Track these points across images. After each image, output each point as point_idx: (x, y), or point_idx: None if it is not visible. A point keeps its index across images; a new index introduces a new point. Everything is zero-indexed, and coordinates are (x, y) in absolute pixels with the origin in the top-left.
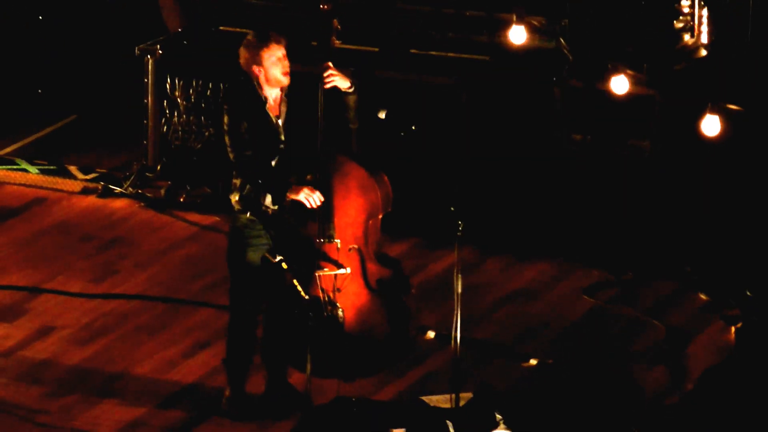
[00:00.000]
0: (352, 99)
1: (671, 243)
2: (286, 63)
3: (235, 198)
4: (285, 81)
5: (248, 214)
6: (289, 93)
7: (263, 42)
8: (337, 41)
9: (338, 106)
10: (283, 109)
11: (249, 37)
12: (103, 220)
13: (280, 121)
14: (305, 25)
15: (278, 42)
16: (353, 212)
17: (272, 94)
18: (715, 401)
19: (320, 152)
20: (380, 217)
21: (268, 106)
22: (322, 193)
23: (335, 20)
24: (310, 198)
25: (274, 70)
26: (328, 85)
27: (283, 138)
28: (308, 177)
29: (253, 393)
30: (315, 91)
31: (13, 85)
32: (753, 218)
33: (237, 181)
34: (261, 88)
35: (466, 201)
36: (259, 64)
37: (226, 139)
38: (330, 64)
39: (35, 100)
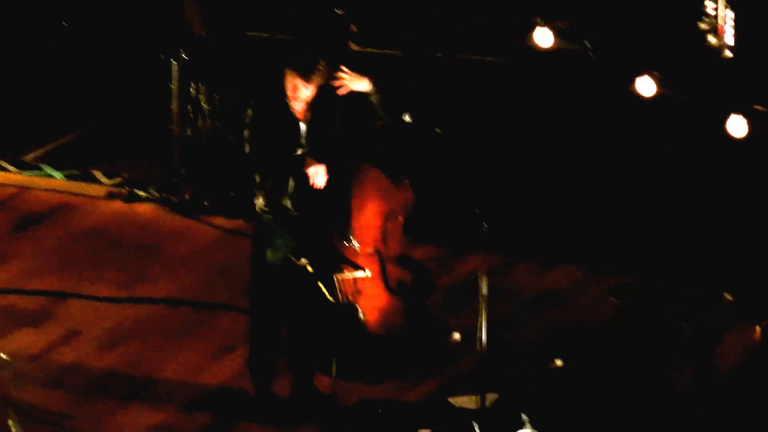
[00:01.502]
0: (374, 98)
1: (699, 245)
2: (299, 93)
3: (257, 200)
4: (295, 107)
5: (270, 215)
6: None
7: (292, 72)
8: (355, 45)
9: (359, 109)
10: (308, 116)
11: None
12: (129, 225)
13: (303, 126)
14: (324, 30)
15: (293, 75)
16: (371, 215)
17: (296, 105)
18: (743, 400)
19: (336, 155)
20: (401, 220)
21: (292, 109)
22: (340, 195)
23: (352, 25)
24: (316, 176)
25: (287, 90)
26: (342, 90)
27: (304, 142)
28: None
29: (280, 396)
30: (333, 97)
31: (39, 91)
32: None
33: (257, 179)
34: (288, 98)
35: (492, 204)
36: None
37: (246, 135)
38: (344, 68)
39: (60, 106)
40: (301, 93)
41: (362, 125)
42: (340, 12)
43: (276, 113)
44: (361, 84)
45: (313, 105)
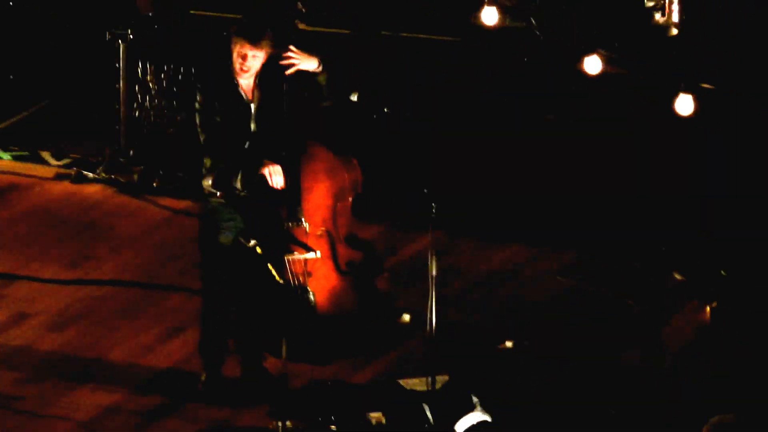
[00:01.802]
0: (322, 78)
1: (646, 222)
2: (248, 63)
3: (205, 182)
4: (241, 75)
5: (218, 197)
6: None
7: (233, 34)
8: (301, 24)
9: (306, 88)
10: (257, 95)
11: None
12: (77, 206)
13: (252, 106)
14: (271, 8)
15: (241, 41)
16: (321, 195)
17: (244, 81)
18: (691, 381)
19: (284, 136)
20: (350, 199)
21: (240, 88)
22: (289, 175)
23: (299, 3)
24: (274, 176)
25: (235, 63)
26: (290, 70)
27: (253, 122)
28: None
29: (229, 377)
30: (281, 76)
31: None
32: (726, 197)
33: (207, 163)
34: (236, 72)
35: (438, 183)
36: (231, 52)
37: (196, 118)
38: (292, 47)
39: (7, 86)
40: (250, 63)
41: (309, 105)
42: None
43: (224, 93)
44: (310, 63)
45: (260, 83)
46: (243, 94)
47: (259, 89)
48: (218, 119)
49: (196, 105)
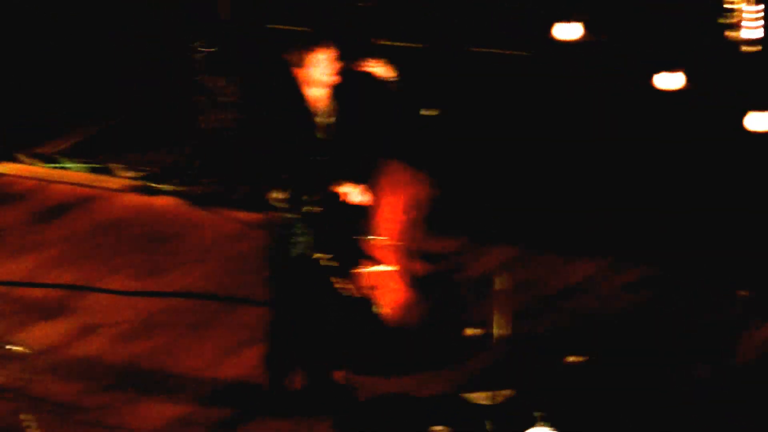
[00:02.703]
0: (394, 86)
1: (720, 240)
2: (319, 73)
3: (276, 195)
4: (313, 86)
5: (291, 211)
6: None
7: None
8: (378, 38)
9: (381, 103)
10: (330, 107)
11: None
12: (148, 218)
13: (324, 119)
14: (351, 23)
15: (322, 65)
16: (392, 209)
17: (316, 92)
18: (760, 394)
19: (360, 151)
20: (421, 213)
21: (310, 101)
22: (363, 188)
23: (375, 17)
24: (353, 193)
25: (306, 75)
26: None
27: (324, 135)
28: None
29: (296, 389)
30: (356, 89)
31: (59, 84)
32: None
33: (280, 176)
34: (307, 84)
35: (513, 198)
36: (302, 65)
37: (272, 132)
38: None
39: (81, 99)
40: (320, 73)
41: (382, 120)
42: (364, 4)
43: (296, 106)
44: (384, 71)
45: (335, 95)
46: (315, 106)
47: (333, 101)
48: (293, 132)
49: (270, 119)
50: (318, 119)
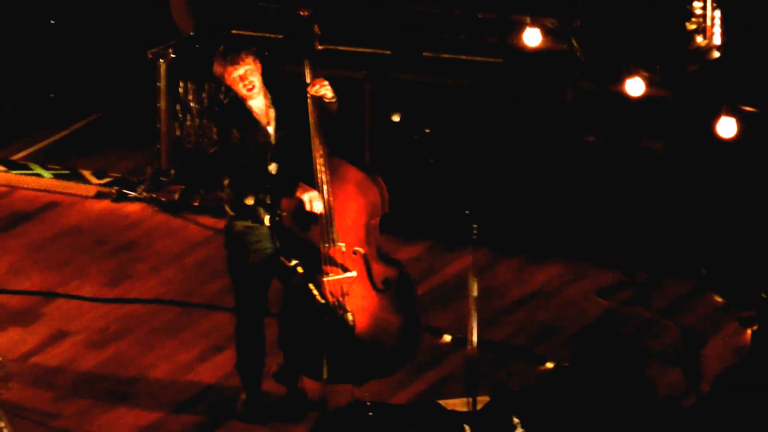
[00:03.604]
0: (334, 107)
1: (686, 244)
2: (248, 79)
3: (229, 206)
4: (252, 96)
5: (249, 222)
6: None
7: (217, 70)
8: (320, 45)
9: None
10: (272, 114)
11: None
12: (117, 224)
13: (270, 128)
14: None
15: (227, 66)
16: (354, 214)
17: (256, 103)
18: (730, 403)
19: (315, 157)
20: (378, 216)
21: (255, 114)
22: (322, 196)
23: (315, 25)
24: (314, 202)
25: (237, 88)
26: (318, 93)
27: (273, 142)
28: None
29: (269, 396)
30: (303, 98)
31: (26, 90)
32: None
33: (231, 191)
34: (244, 99)
35: (479, 203)
36: (224, 82)
37: (220, 150)
38: (323, 79)
39: (48, 105)
40: (249, 78)
41: (342, 125)
42: (304, 12)
43: (240, 119)
44: (330, 93)
45: (275, 104)
46: (258, 118)
47: (274, 109)
48: (240, 145)
49: (214, 137)
50: (263, 128)
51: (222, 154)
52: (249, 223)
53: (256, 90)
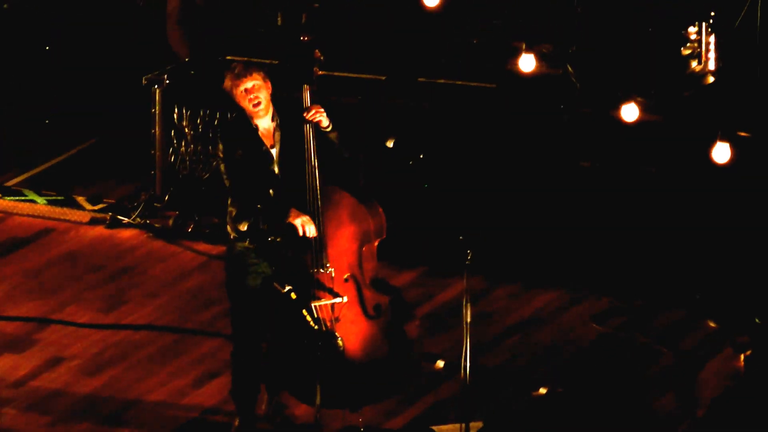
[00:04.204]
0: (333, 135)
1: (680, 269)
2: (254, 94)
3: (231, 228)
4: (258, 113)
5: (246, 243)
6: (287, 123)
7: (227, 84)
8: (320, 71)
9: (325, 140)
10: (278, 137)
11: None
12: (112, 251)
13: (273, 151)
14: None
15: (235, 80)
16: (345, 240)
17: (262, 123)
18: (725, 428)
19: (309, 183)
20: (375, 244)
21: (260, 133)
22: (314, 221)
23: (317, 50)
24: (306, 226)
25: (244, 103)
26: (314, 119)
27: (276, 167)
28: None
29: (263, 420)
30: (301, 123)
31: (20, 116)
32: (762, 245)
33: (233, 210)
34: (251, 117)
35: (474, 229)
36: (233, 97)
37: (222, 167)
38: (318, 106)
39: (42, 131)
40: (254, 93)
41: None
42: (305, 38)
43: (245, 139)
44: (326, 121)
45: (281, 127)
46: (263, 138)
47: (280, 133)
48: (242, 165)
49: (219, 153)
50: (266, 150)
51: (225, 171)
52: (248, 245)
53: (262, 107)
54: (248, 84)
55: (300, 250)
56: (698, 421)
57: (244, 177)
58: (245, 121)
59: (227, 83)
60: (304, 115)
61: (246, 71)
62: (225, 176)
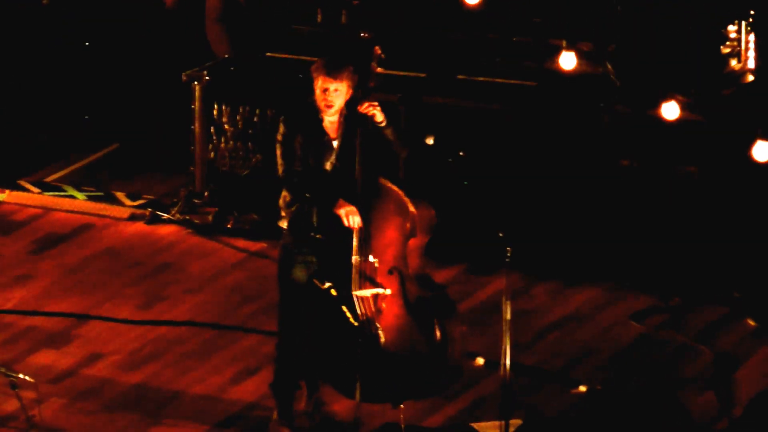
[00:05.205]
0: (388, 132)
1: (720, 268)
2: (330, 97)
3: (282, 215)
4: (326, 112)
5: (295, 236)
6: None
7: (314, 72)
8: (379, 68)
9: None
10: (341, 133)
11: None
12: (151, 247)
13: (335, 143)
14: (348, 52)
15: (322, 74)
16: (391, 233)
17: (329, 118)
18: (763, 428)
19: (359, 175)
20: (423, 240)
21: (324, 125)
22: (361, 213)
23: (377, 47)
24: (351, 217)
25: (319, 100)
26: (367, 112)
27: (336, 159)
28: None
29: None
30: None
31: (61, 112)
32: None
33: (285, 196)
34: (321, 110)
35: (514, 227)
36: (314, 90)
37: (278, 150)
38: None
39: (83, 126)
40: (332, 97)
41: (383, 149)
42: (366, 35)
43: (308, 129)
44: (380, 116)
45: (346, 122)
46: (327, 131)
47: (344, 128)
48: (300, 152)
49: (279, 137)
50: (329, 143)
51: (281, 155)
52: (298, 240)
53: (333, 110)
54: (330, 86)
55: (344, 241)
56: (736, 421)
57: (298, 163)
58: (312, 110)
59: (315, 71)
60: (358, 108)
61: (335, 73)
62: (279, 160)
